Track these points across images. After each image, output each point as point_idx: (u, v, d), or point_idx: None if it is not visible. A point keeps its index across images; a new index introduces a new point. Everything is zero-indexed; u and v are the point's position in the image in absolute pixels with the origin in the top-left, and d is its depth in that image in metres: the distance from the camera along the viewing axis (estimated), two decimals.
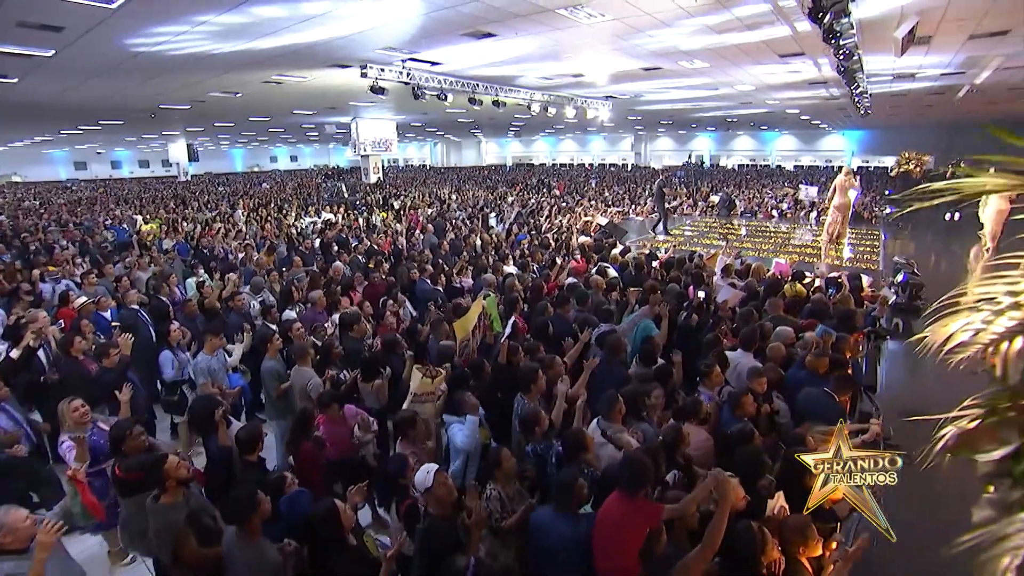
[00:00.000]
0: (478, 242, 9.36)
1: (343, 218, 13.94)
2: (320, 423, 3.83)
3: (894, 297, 5.67)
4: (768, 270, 7.01)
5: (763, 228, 13.34)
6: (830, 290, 5.73)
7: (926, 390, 5.05)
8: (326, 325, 5.65)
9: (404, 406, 3.80)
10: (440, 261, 8.01)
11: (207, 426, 3.48)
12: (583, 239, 9.77)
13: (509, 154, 50.21)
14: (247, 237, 11.30)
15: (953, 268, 8.69)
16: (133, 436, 3.12)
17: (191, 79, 11.26)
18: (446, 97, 11.40)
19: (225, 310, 6.53)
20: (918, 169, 19.24)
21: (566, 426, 3.58)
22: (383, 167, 27.65)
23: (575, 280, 6.79)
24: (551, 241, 9.27)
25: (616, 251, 8.67)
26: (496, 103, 13.20)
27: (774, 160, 36.22)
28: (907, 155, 20.04)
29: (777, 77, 12.75)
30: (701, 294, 5.51)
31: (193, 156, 31.94)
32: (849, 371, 4.00)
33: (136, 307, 5.96)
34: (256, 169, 49.54)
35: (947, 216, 13.09)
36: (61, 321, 5.82)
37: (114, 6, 6.35)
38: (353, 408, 4.03)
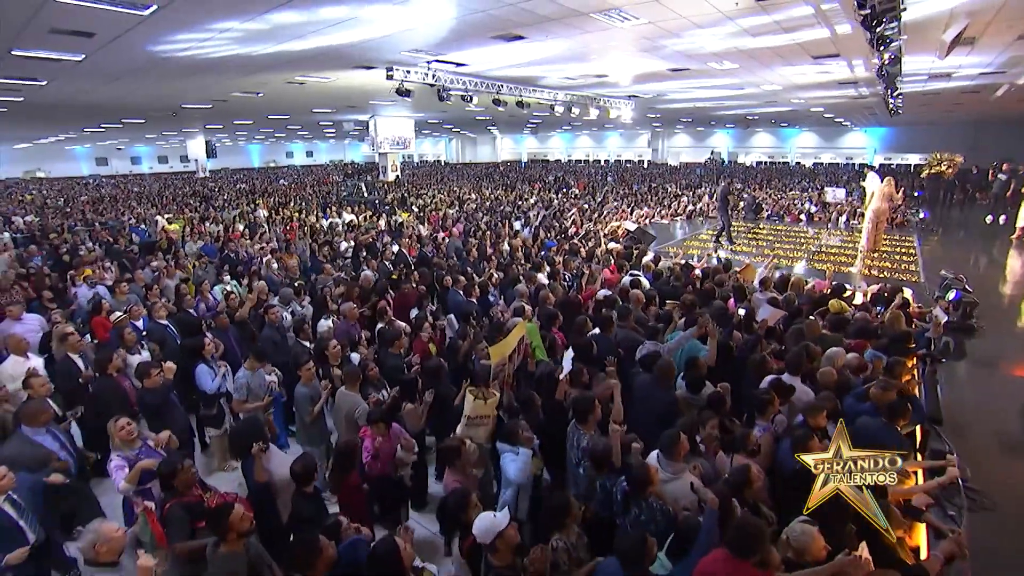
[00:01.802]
0: (506, 248, 9.20)
1: (366, 220, 13.89)
2: (364, 436, 3.76)
3: (946, 318, 5.45)
4: (808, 283, 6.79)
5: (792, 233, 13.02)
6: (878, 307, 5.52)
7: (997, 422, 4.57)
8: (362, 338, 5.59)
9: (458, 430, 3.71)
10: (470, 270, 7.90)
11: (245, 454, 3.42)
12: (612, 245, 9.59)
13: (524, 150, 49.88)
14: (272, 239, 11.30)
15: (996, 277, 8.34)
16: (184, 470, 3.08)
17: (215, 81, 11.28)
18: (471, 99, 11.26)
19: (257, 323, 6.51)
20: (950, 170, 18.62)
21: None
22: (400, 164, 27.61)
23: (609, 292, 6.65)
24: (580, 248, 9.09)
25: (647, 258, 8.50)
26: (520, 104, 13.04)
27: (793, 157, 35.55)
28: (938, 155, 19.37)
29: (807, 77, 12.44)
30: (742, 311, 5.33)
31: (211, 152, 32.20)
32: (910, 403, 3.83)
33: (164, 321, 5.94)
34: (272, 164, 49.82)
35: (988, 219, 12.61)
36: (89, 335, 5.82)
37: (146, 13, 6.33)
38: (398, 427, 3.96)
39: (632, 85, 14.63)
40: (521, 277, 6.92)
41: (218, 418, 4.96)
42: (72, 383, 4.81)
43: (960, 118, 24.10)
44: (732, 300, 6.45)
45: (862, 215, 12.63)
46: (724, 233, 11.92)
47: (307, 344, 5.33)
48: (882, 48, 5.99)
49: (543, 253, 9.25)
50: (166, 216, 15.17)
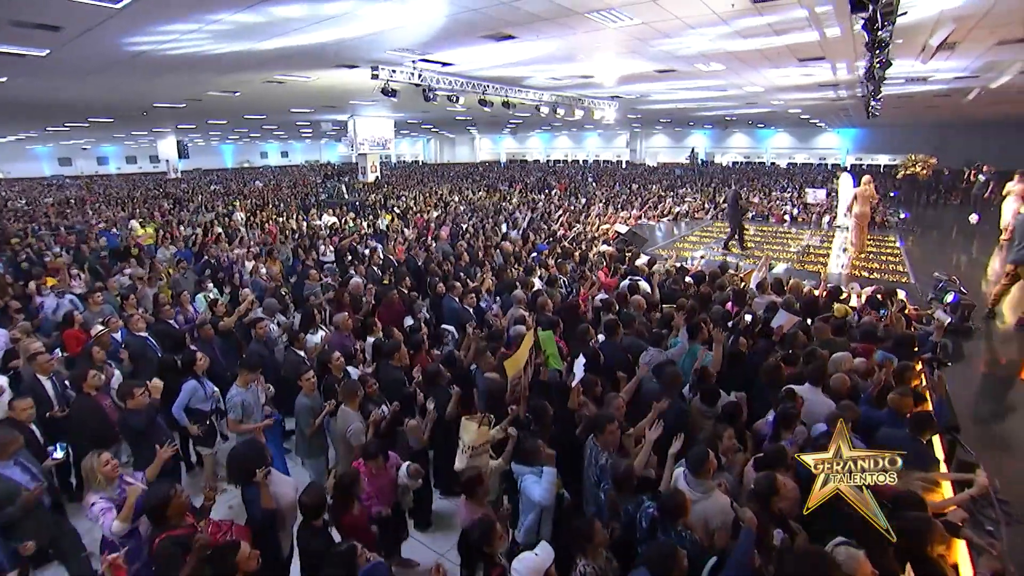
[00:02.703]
0: (497, 253, 8.98)
1: (349, 222, 13.54)
2: (361, 473, 3.52)
3: (948, 319, 5.48)
4: (807, 286, 6.78)
5: (780, 233, 13.12)
6: (881, 311, 5.52)
7: (1008, 428, 4.48)
8: (358, 351, 5.35)
9: (459, 462, 3.49)
10: (462, 275, 7.70)
11: (245, 480, 3.17)
12: (604, 248, 9.48)
13: (503, 150, 49.73)
14: (251, 243, 10.89)
15: (981, 277, 8.48)
16: (177, 497, 2.83)
17: (190, 79, 10.83)
18: (457, 99, 11.05)
19: (241, 331, 6.20)
20: (925, 171, 19.17)
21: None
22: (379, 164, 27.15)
23: (607, 297, 6.53)
24: (574, 252, 8.95)
25: (641, 261, 8.41)
26: (506, 104, 12.88)
27: (769, 158, 36.19)
28: (913, 157, 19.97)
29: (790, 80, 12.58)
30: (748, 316, 5.26)
31: (183, 153, 31.22)
32: (929, 407, 3.80)
33: (143, 334, 5.59)
34: (247, 165, 48.63)
35: (973, 218, 12.90)
36: (58, 351, 5.42)
37: (119, 6, 5.97)
38: (394, 456, 3.73)
39: (617, 86, 14.61)
40: (517, 283, 6.74)
41: (208, 437, 4.68)
42: (44, 407, 4.44)
43: (928, 120, 24.84)
44: (731, 304, 6.42)
45: (837, 215, 12.97)
46: (735, 239, 11.52)
47: (301, 354, 5.07)
48: (878, 51, 5.98)
49: (534, 256, 9.10)
50: (139, 220, 14.54)
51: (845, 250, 10.63)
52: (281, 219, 14.51)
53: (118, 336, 5.74)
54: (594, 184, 23.96)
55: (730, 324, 5.60)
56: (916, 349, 4.92)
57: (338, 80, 11.93)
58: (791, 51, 9.30)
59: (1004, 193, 10.12)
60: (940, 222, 14.90)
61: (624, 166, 39.46)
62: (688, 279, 7.12)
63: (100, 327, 5.57)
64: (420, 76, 10.22)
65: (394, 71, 9.84)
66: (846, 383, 4.18)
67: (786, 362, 4.61)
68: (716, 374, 4.52)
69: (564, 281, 7.34)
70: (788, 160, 35.20)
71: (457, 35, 8.08)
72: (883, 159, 30.76)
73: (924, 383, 4.49)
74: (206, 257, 9.18)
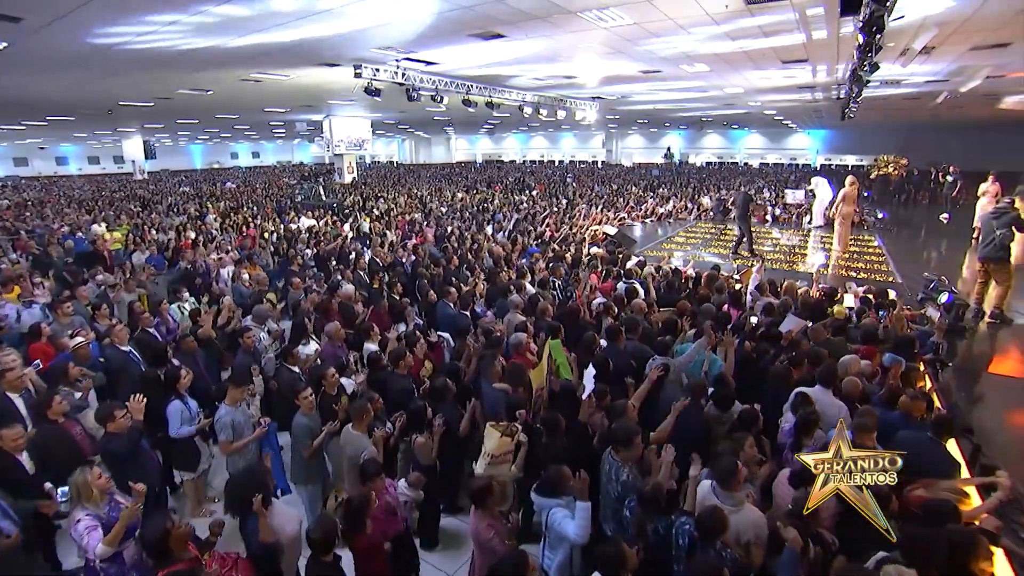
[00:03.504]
0: (487, 256, 8.78)
1: (328, 224, 13.17)
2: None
3: (948, 320, 5.56)
4: (802, 287, 6.81)
5: (763, 233, 13.27)
6: (881, 312, 5.56)
7: (1017, 428, 4.43)
8: (351, 361, 5.12)
9: (478, 468, 3.34)
10: (454, 279, 7.50)
11: (244, 510, 2.94)
12: (594, 250, 9.40)
13: (479, 151, 49.54)
14: (228, 248, 10.46)
15: (959, 275, 8.68)
16: (177, 529, 2.59)
17: (162, 76, 10.35)
18: (441, 99, 10.84)
19: (224, 342, 5.90)
20: (896, 172, 19.80)
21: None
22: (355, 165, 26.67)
23: (605, 300, 6.43)
24: (565, 254, 8.82)
25: (631, 263, 8.36)
26: (490, 104, 12.72)
27: (742, 158, 36.85)
28: (885, 158, 20.63)
29: (771, 81, 12.76)
30: (754, 319, 5.23)
31: (150, 153, 30.02)
32: (944, 410, 3.79)
33: (125, 347, 5.22)
34: (217, 166, 47.18)
35: (944, 218, 13.28)
36: (38, 362, 5.04)
37: None
38: (389, 481, 3.52)
39: (599, 87, 14.60)
40: (512, 287, 6.58)
41: (192, 460, 4.39)
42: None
43: (893, 123, 25.63)
44: (728, 307, 6.40)
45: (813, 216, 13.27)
46: (745, 243, 11.11)
47: (295, 370, 4.81)
48: (869, 54, 6.04)
49: (524, 259, 8.95)
50: (104, 224, 13.85)
51: (823, 249, 10.83)
52: (258, 222, 14.03)
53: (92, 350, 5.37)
54: (574, 185, 23.94)
55: (730, 327, 5.56)
56: (918, 350, 4.94)
57: (317, 79, 11.59)
58: (776, 53, 9.39)
59: (980, 193, 10.43)
60: (912, 221, 15.32)
61: (600, 166, 39.69)
62: (680, 282, 7.07)
63: (78, 340, 5.16)
64: (404, 75, 9.99)
65: (377, 70, 9.58)
66: (858, 386, 4.16)
67: (793, 364, 4.59)
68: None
69: (558, 284, 7.21)
70: (760, 160, 35.90)
71: (445, 33, 7.89)
72: (851, 159, 31.68)
73: (929, 384, 4.51)
74: (182, 263, 8.75)
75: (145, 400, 3.88)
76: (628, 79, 12.80)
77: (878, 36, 5.39)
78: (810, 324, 5.47)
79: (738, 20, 7.21)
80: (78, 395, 4.39)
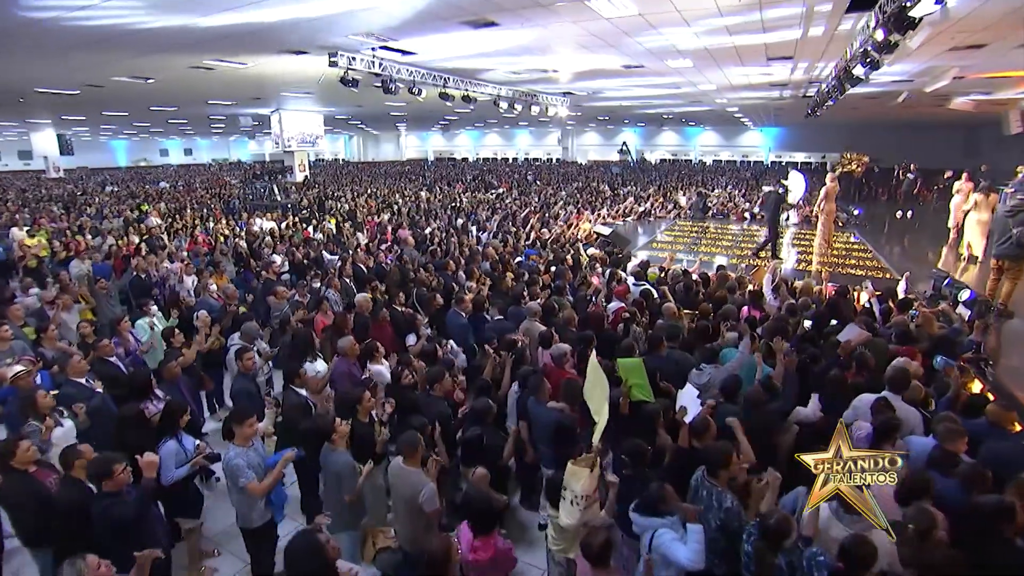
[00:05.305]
0: (486, 262, 8.17)
1: (290, 227, 12.17)
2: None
3: (972, 317, 5.56)
4: (816, 287, 6.72)
5: (748, 232, 13.36)
6: (912, 312, 5.50)
7: None
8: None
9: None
10: (453, 284, 6.92)
11: None
12: (592, 251, 9.04)
13: (431, 148, 48.31)
14: (181, 254, 9.37)
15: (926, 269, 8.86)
16: None
17: (100, 58, 9.05)
18: (420, 91, 10.17)
19: (202, 363, 5.12)
20: (859, 169, 20.73)
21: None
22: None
23: (624, 304, 6.08)
24: (565, 256, 8.39)
25: (632, 264, 8.06)
26: (467, 98, 12.12)
27: (696, 155, 37.63)
28: (848, 156, 21.59)
29: (747, 79, 12.81)
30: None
31: (66, 148, 27.18)
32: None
33: (82, 380, 4.32)
34: (144, 163, 43.64)
35: (899, 214, 13.86)
36: None
37: None
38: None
39: (572, 82, 14.26)
40: (526, 294, 6.09)
41: (195, 503, 3.68)
42: None
43: (844, 120, 26.76)
44: (748, 308, 6.20)
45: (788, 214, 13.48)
46: (770, 245, 10.54)
47: (302, 392, 4.13)
48: (887, 53, 5.98)
49: (520, 261, 8.47)
50: (25, 228, 12.24)
51: (795, 245, 10.94)
52: (209, 225, 12.81)
53: (38, 379, 4.47)
54: (537, 183, 23.64)
55: (759, 330, 5.34)
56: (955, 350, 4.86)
57: (279, 68, 10.62)
58: (766, 49, 9.34)
59: (954, 191, 10.85)
60: (874, 216, 15.90)
61: (556, 163, 39.65)
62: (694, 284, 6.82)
63: (16, 368, 4.25)
64: (381, 65, 9.24)
65: (353, 59, 8.80)
66: (921, 391, 4.01)
67: (844, 368, 4.41)
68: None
69: (567, 288, 6.79)
70: (714, 157, 36.77)
71: (436, 19, 7.25)
72: (800, 156, 33.03)
73: (980, 385, 4.43)
74: (134, 273, 7.68)
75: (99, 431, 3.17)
76: (606, 74, 12.52)
77: (907, 34, 5.26)
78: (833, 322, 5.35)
79: (745, 14, 7.02)
80: (61, 428, 3.62)
